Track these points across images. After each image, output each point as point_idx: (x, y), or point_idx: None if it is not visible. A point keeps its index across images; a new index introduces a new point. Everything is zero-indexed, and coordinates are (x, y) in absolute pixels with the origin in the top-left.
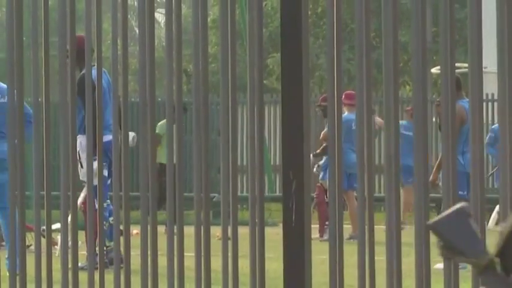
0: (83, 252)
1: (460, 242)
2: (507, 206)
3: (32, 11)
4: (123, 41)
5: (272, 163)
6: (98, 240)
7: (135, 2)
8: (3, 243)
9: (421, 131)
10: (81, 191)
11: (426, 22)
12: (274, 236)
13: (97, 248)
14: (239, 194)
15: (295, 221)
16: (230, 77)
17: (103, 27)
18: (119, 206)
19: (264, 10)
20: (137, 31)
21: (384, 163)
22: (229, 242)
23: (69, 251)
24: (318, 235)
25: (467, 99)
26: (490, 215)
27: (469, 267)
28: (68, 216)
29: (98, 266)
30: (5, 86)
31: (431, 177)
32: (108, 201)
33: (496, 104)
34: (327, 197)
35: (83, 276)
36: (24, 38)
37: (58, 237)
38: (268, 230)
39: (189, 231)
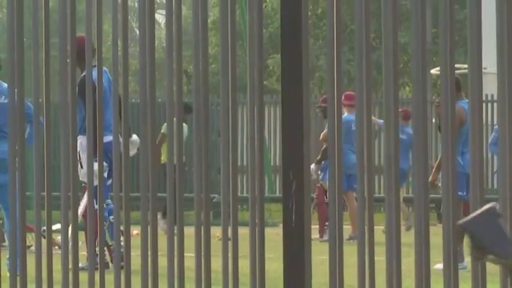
0: (83, 252)
1: (490, 242)
2: (507, 206)
3: (33, 12)
4: (124, 42)
5: (272, 164)
6: (98, 240)
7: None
8: (4, 243)
9: (421, 131)
10: (81, 191)
11: (426, 23)
12: (274, 236)
13: (97, 248)
14: (239, 194)
15: (295, 222)
16: (230, 77)
17: (103, 28)
18: (119, 206)
19: (264, 11)
20: (137, 32)
21: (384, 164)
22: (230, 243)
23: (70, 251)
24: (317, 235)
25: (467, 100)
26: None
27: (469, 267)
28: (68, 216)
29: (98, 266)
30: (6, 86)
31: (430, 178)
32: (109, 200)
33: (495, 104)
34: (326, 198)
35: (83, 277)
36: (24, 39)
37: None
38: (268, 231)
39: (190, 231)
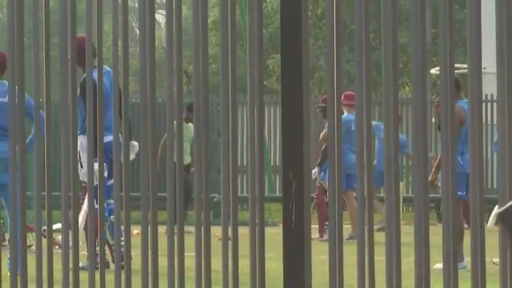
0: (83, 252)
1: None
2: None
3: (33, 12)
4: (124, 42)
5: (272, 164)
6: (98, 239)
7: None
8: (5, 243)
9: (421, 131)
10: (81, 191)
11: (426, 23)
12: (274, 236)
13: (97, 248)
14: (239, 194)
15: (295, 221)
16: (230, 77)
17: (104, 28)
18: (119, 206)
19: (264, 11)
20: (138, 32)
21: (384, 163)
22: (230, 242)
23: (70, 251)
24: (317, 235)
25: (467, 100)
26: (489, 215)
27: (469, 267)
28: (68, 216)
29: (99, 266)
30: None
31: (430, 177)
32: (111, 200)
33: (495, 104)
34: (326, 198)
35: (83, 276)
36: (25, 39)
37: (59, 237)
38: (268, 230)
39: (190, 231)
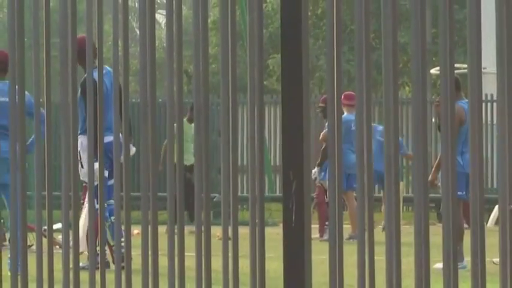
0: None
1: None
2: (506, 206)
3: (34, 12)
4: (124, 42)
5: (272, 163)
6: (99, 239)
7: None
8: (5, 243)
9: (421, 131)
10: (82, 191)
11: (426, 23)
12: (275, 236)
13: (98, 248)
14: (239, 194)
15: (295, 221)
16: (230, 77)
17: (104, 28)
18: (119, 206)
19: (264, 11)
20: (138, 32)
21: (384, 163)
22: (230, 242)
23: (70, 250)
24: (317, 235)
25: (467, 100)
26: (489, 215)
27: (469, 266)
28: (69, 216)
29: (99, 265)
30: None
31: (430, 177)
32: (112, 201)
33: (495, 104)
34: (327, 197)
35: (84, 276)
36: (25, 39)
37: (59, 237)
38: (268, 230)
39: (192, 231)
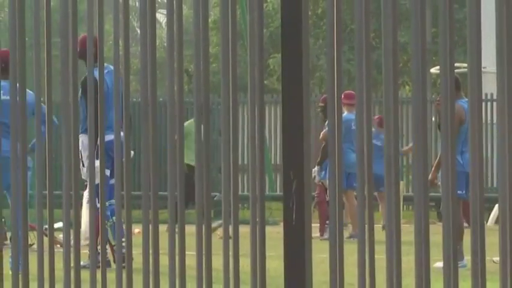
0: (85, 251)
1: None
2: (506, 205)
3: (34, 11)
4: (125, 42)
5: (273, 162)
6: (99, 238)
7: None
8: (6, 242)
9: (421, 131)
10: (82, 190)
11: (426, 23)
12: (275, 234)
13: (99, 247)
14: (240, 193)
15: (295, 220)
16: (231, 77)
17: (105, 28)
18: (120, 205)
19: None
20: (139, 32)
21: (384, 163)
22: (230, 241)
23: (71, 249)
24: (318, 234)
25: (467, 99)
26: (489, 214)
27: (469, 265)
28: (70, 215)
29: (100, 264)
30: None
31: (430, 176)
32: (113, 201)
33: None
34: (327, 196)
35: (85, 275)
36: (26, 39)
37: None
38: (269, 229)
39: (191, 230)
